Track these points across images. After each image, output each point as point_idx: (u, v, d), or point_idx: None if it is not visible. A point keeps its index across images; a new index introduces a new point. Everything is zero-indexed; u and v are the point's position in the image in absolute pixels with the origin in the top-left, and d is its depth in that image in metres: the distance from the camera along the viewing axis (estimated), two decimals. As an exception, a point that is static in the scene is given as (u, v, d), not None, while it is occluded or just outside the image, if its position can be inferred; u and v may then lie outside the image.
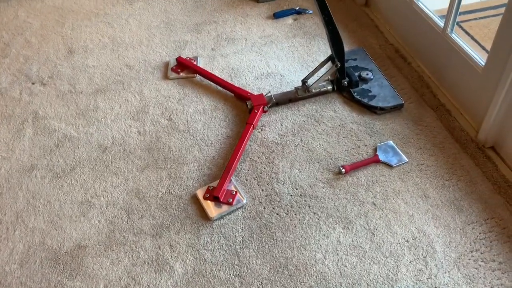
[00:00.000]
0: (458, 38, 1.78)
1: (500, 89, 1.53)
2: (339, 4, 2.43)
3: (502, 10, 1.51)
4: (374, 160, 1.67)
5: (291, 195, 1.59)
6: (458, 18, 1.80)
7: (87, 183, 1.66)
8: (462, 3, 1.75)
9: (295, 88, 1.91)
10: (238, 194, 1.58)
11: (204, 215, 1.55)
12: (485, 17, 2.33)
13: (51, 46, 2.28)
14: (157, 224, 1.53)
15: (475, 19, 2.32)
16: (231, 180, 1.63)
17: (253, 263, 1.42)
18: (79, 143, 1.80)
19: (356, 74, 1.94)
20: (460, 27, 2.27)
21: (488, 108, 1.62)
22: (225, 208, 1.55)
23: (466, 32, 2.25)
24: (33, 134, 1.85)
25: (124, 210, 1.57)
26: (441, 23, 1.84)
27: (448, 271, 1.37)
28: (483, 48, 2.15)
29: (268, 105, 1.87)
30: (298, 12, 2.39)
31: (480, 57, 1.69)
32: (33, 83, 2.08)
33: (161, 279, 1.39)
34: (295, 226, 1.51)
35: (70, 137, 1.83)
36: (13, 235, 1.52)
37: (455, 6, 1.73)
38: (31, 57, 2.22)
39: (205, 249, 1.46)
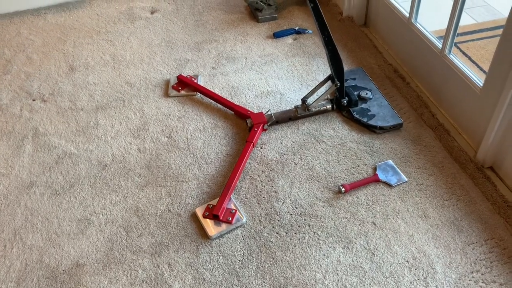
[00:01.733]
0: (456, 59, 1.80)
1: (498, 110, 1.55)
2: (339, 24, 2.47)
3: (499, 31, 1.53)
4: (373, 180, 1.67)
5: (291, 214, 1.59)
6: (456, 39, 1.82)
7: (86, 201, 1.65)
8: (459, 24, 1.78)
9: (295, 106, 1.93)
10: (237, 212, 1.58)
11: (203, 234, 1.54)
12: (482, 39, 2.36)
13: (52, 63, 2.30)
14: (156, 242, 1.52)
15: (472, 40, 2.35)
16: (230, 198, 1.62)
17: (252, 283, 1.41)
18: (78, 160, 1.80)
19: (356, 93, 1.95)
20: (458, 48, 2.31)
21: (486, 128, 1.64)
22: (224, 226, 1.54)
23: (464, 53, 2.28)
24: (33, 150, 1.85)
25: (123, 228, 1.57)
26: (439, 44, 1.87)
27: (449, 292, 1.37)
28: (481, 69, 2.18)
29: (268, 124, 1.87)
30: (298, 32, 2.42)
31: (478, 78, 1.71)
32: (33, 100, 2.09)
33: (160, 298, 1.38)
34: (295, 246, 1.50)
35: (70, 154, 1.83)
36: (11, 252, 1.50)
37: (453, 27, 1.76)
38: (32, 74, 2.24)
39: (204, 268, 1.45)
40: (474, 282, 1.39)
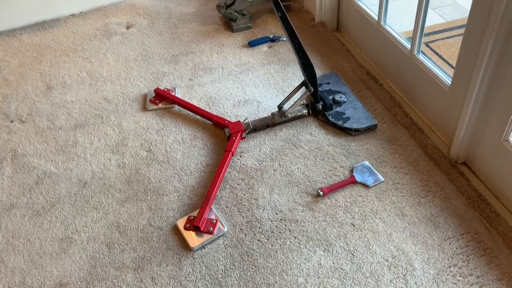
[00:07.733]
0: (425, 58, 1.85)
1: (466, 106, 1.59)
2: (311, 30, 2.51)
3: (464, 30, 1.58)
4: (351, 181, 1.70)
5: (272, 220, 1.61)
6: (427, 39, 1.87)
7: (67, 219, 1.66)
8: (429, 23, 1.82)
9: (272, 113, 1.95)
10: (218, 222, 1.60)
11: (185, 246, 1.55)
12: (451, 37, 2.42)
13: (29, 83, 2.30)
14: (139, 257, 1.53)
15: (442, 39, 2.41)
16: (211, 208, 1.64)
17: (235, 291, 1.42)
18: (58, 179, 1.80)
19: (330, 97, 1.99)
20: (429, 47, 2.36)
21: (457, 125, 1.68)
22: (206, 237, 1.56)
23: (435, 52, 2.33)
24: (12, 172, 1.85)
25: (105, 244, 1.57)
26: (408, 45, 1.91)
27: (428, 288, 1.40)
28: (452, 67, 2.23)
29: (246, 132, 1.90)
30: (272, 40, 2.46)
31: (447, 76, 1.75)
32: (11, 121, 2.09)
33: (144, 313, 1.39)
34: (276, 252, 1.52)
35: (50, 174, 1.83)
36: (-7, 276, 1.50)
37: (419, 28, 1.81)
38: (9, 95, 2.24)
39: (187, 280, 1.46)
40: (452, 276, 1.42)
